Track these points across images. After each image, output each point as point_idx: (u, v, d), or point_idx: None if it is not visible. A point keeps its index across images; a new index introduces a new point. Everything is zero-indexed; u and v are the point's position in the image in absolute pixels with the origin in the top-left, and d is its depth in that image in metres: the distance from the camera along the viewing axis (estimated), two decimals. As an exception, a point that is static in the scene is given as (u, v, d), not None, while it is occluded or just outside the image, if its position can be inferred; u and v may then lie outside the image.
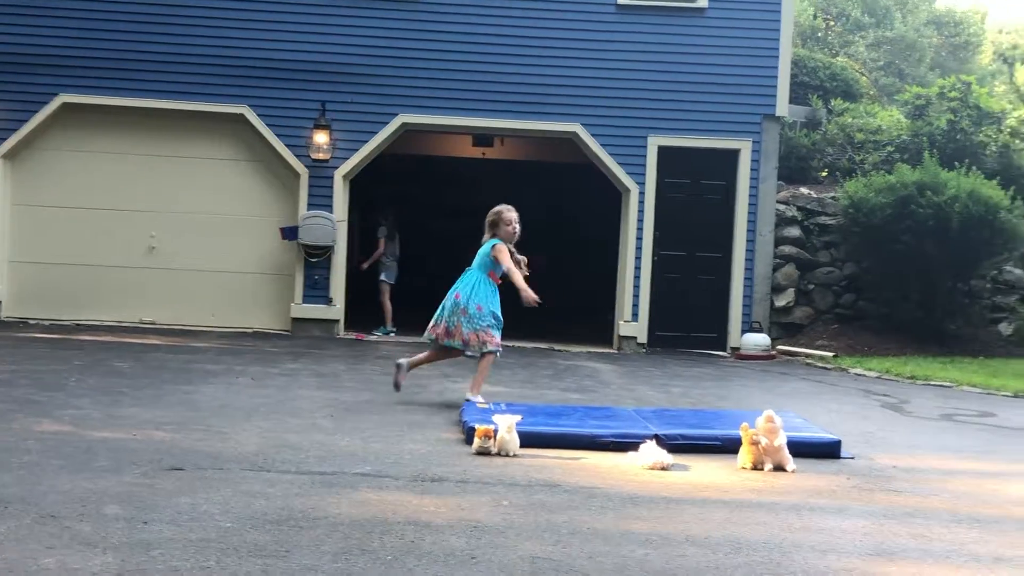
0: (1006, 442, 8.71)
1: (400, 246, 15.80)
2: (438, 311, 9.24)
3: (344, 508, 5.49)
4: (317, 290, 14.76)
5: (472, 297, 9.09)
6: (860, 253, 15.49)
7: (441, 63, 14.86)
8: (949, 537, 5.47)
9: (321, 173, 14.74)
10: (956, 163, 15.41)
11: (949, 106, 17.18)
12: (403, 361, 9.35)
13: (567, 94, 14.94)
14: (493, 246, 9.18)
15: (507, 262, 9.10)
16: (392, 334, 15.04)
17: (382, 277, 15.46)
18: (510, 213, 9.35)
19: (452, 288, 9.27)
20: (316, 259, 14.69)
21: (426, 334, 9.32)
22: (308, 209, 14.71)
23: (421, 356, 9.50)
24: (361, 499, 5.70)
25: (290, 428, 7.68)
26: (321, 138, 14.62)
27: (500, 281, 9.27)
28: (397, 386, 9.27)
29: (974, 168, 15.28)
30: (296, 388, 9.74)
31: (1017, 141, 17.46)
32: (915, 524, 5.72)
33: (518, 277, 9.10)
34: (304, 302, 14.75)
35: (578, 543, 5.04)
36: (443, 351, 9.29)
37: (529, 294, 8.99)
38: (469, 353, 9.15)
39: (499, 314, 9.21)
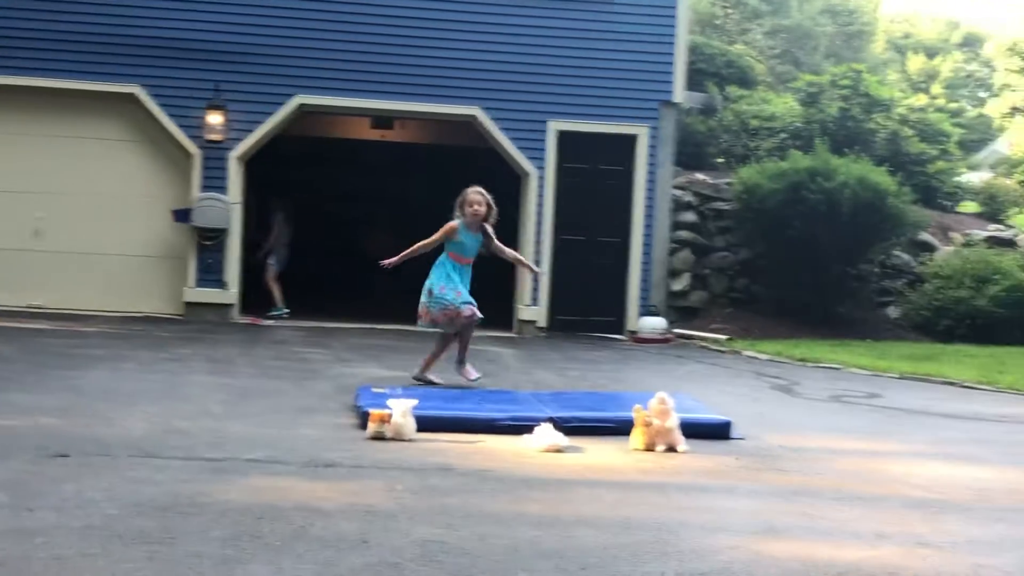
0: (892, 422, 8.93)
1: (293, 232, 15.72)
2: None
3: (234, 494, 5.41)
4: (211, 274, 14.54)
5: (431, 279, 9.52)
6: (754, 238, 15.75)
7: (339, 43, 14.72)
8: (833, 515, 5.60)
9: (215, 155, 14.51)
10: (847, 150, 15.76)
11: (841, 94, 17.55)
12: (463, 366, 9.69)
13: (467, 77, 14.91)
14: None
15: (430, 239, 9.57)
16: (287, 314, 14.93)
17: (270, 261, 15.34)
18: (473, 195, 9.57)
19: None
20: (210, 242, 14.47)
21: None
22: (202, 191, 14.47)
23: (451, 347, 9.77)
24: (252, 485, 5.63)
25: (180, 414, 7.55)
26: (215, 119, 14.39)
27: (466, 260, 9.67)
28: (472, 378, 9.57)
29: (864, 155, 15.64)
30: (187, 373, 9.58)
31: (906, 128, 17.91)
32: (801, 503, 5.84)
33: (409, 250, 9.65)
34: (198, 286, 14.51)
35: (470, 526, 5.04)
36: (446, 336, 9.68)
37: (388, 262, 9.54)
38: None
39: (438, 291, 9.48)
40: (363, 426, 7.21)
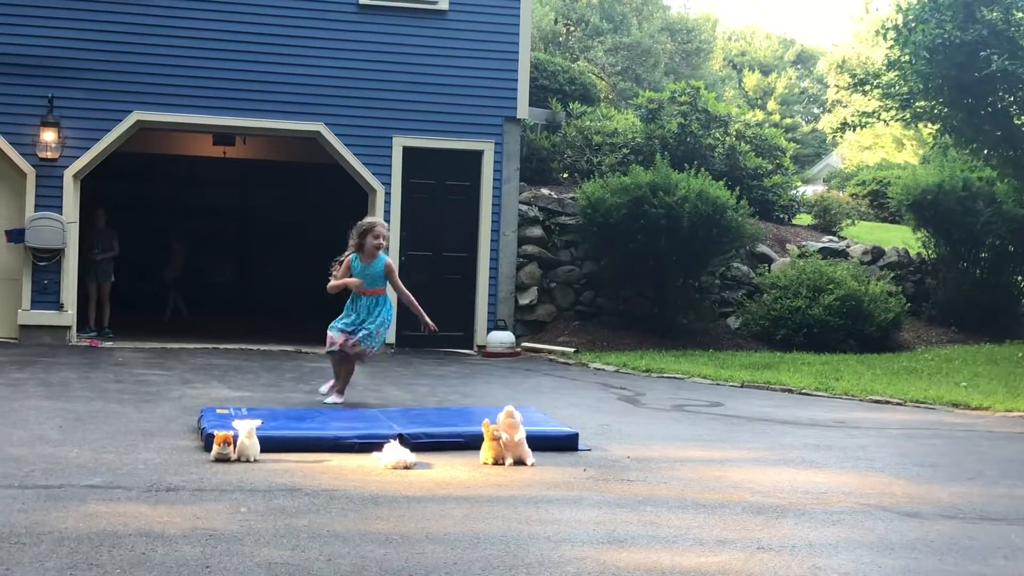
0: (732, 430, 9.17)
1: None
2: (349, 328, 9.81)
3: (71, 522, 5.24)
4: (47, 295, 14.04)
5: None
6: (598, 252, 15.99)
7: (178, 59, 14.41)
8: (676, 523, 5.72)
9: (50, 172, 14.02)
10: (687, 164, 16.12)
11: (680, 110, 17.96)
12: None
13: (310, 93, 14.77)
14: (387, 262, 9.85)
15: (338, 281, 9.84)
16: (110, 335, 14.70)
17: (112, 279, 15.14)
18: (380, 228, 9.88)
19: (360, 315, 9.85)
20: (45, 263, 13.98)
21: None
22: (36, 210, 13.97)
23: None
24: (90, 512, 5.46)
25: (13, 441, 7.28)
26: (49, 136, 13.92)
27: (368, 291, 9.76)
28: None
29: (703, 169, 16.03)
30: (22, 398, 9.23)
31: (743, 143, 18.44)
32: (645, 512, 5.95)
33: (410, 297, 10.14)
34: (33, 308, 13.99)
35: (317, 546, 4.99)
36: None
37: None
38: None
39: (343, 316, 9.75)
40: (207, 448, 7.08)
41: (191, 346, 14.04)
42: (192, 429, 7.95)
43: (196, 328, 15.75)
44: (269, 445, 7.09)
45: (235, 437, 6.91)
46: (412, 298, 10.13)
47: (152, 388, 10.27)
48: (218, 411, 8.08)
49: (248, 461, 6.86)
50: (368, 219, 10.12)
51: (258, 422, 7.10)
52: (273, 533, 5.19)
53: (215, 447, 6.88)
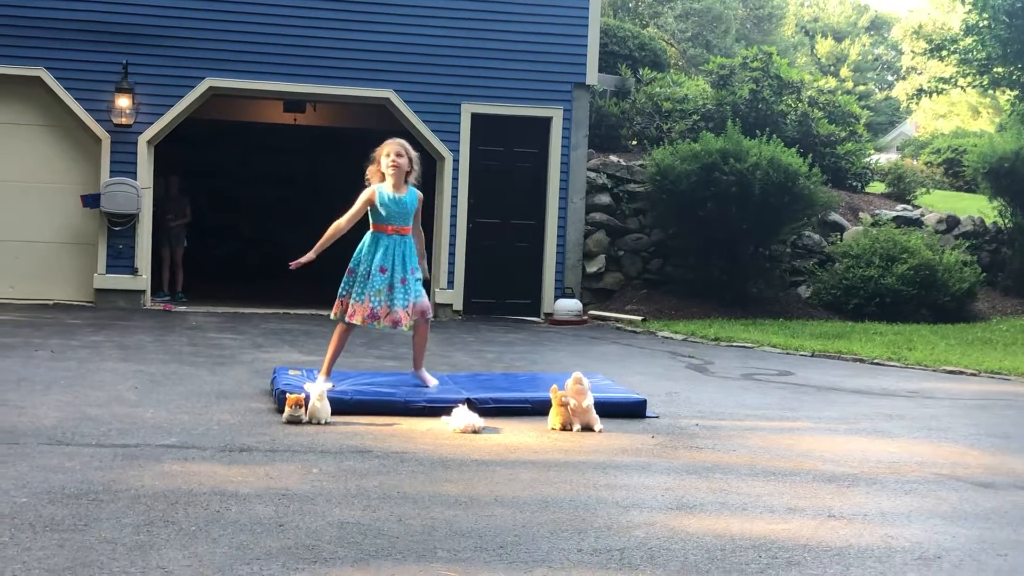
0: (802, 399, 9.09)
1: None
2: (383, 296, 8.04)
3: (147, 480, 5.34)
4: (121, 260, 14.27)
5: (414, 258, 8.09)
6: (667, 220, 15.89)
7: (250, 25, 14.50)
8: (746, 490, 5.69)
9: (124, 139, 14.22)
10: (758, 131, 15.94)
11: (751, 76, 17.75)
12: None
13: (380, 59, 14.80)
14: (420, 196, 8.20)
15: (347, 215, 8.04)
16: (184, 299, 14.93)
17: (185, 244, 15.35)
18: (389, 145, 8.17)
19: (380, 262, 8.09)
20: (120, 228, 14.21)
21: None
22: (111, 176, 14.19)
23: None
24: (165, 471, 5.56)
25: (91, 401, 7.42)
26: (124, 102, 14.10)
27: (400, 229, 8.11)
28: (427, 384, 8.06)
29: (775, 136, 15.84)
30: (99, 360, 9.41)
31: (815, 110, 18.18)
32: (715, 479, 5.92)
33: (322, 240, 8.13)
34: (108, 272, 14.23)
35: (388, 507, 5.04)
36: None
37: (296, 263, 8.06)
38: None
39: (360, 271, 8.05)
40: (279, 410, 7.17)
41: (263, 311, 14.22)
42: (264, 392, 8.05)
43: (268, 294, 15.91)
44: (340, 408, 7.17)
45: (307, 399, 6.99)
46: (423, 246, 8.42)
47: (225, 351, 10.42)
48: (290, 373, 8.17)
49: (319, 423, 6.94)
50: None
51: (330, 385, 7.18)
52: (344, 493, 5.25)
53: (287, 409, 6.97)
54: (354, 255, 8.14)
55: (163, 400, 7.60)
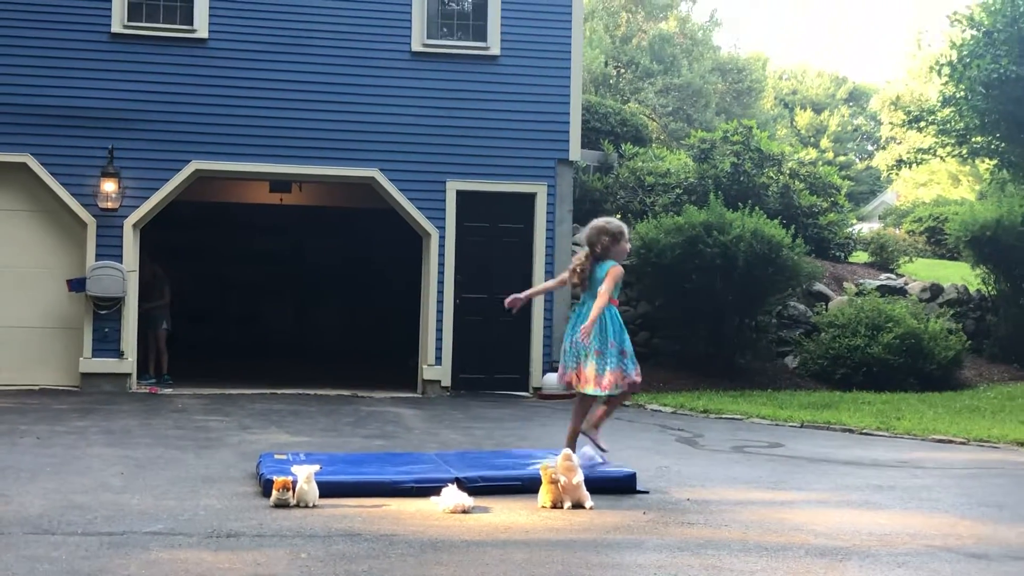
0: (793, 471, 9.06)
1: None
2: (571, 357, 7.99)
3: (134, 569, 5.28)
4: (107, 343, 14.22)
5: (608, 334, 7.91)
6: (653, 292, 15.95)
7: (234, 108, 14.63)
8: (739, 566, 5.65)
9: (110, 222, 14.26)
10: (740, 204, 16.07)
11: (732, 149, 17.94)
12: (587, 431, 8.08)
13: (364, 140, 14.92)
14: (612, 267, 7.98)
15: (610, 290, 7.89)
16: (169, 382, 14.76)
17: (164, 326, 15.18)
18: (624, 227, 8.17)
19: (570, 326, 8.07)
20: (106, 311, 14.18)
21: (560, 384, 8.19)
22: (97, 259, 14.20)
23: (598, 413, 8.14)
24: (152, 559, 5.50)
25: (77, 488, 7.35)
26: (109, 186, 14.16)
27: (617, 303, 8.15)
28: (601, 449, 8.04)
29: (757, 208, 15.96)
30: (85, 446, 9.34)
31: (796, 182, 18.36)
32: (707, 555, 5.88)
33: (597, 306, 7.86)
34: (94, 356, 14.18)
35: (378, 592, 4.98)
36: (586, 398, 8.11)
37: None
38: (608, 393, 7.95)
39: (631, 351, 8.03)
40: (266, 494, 7.10)
41: (250, 391, 14.16)
42: (251, 475, 7.99)
43: (255, 374, 15.87)
44: (328, 490, 7.10)
45: (294, 482, 6.94)
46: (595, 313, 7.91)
47: (211, 434, 10.35)
48: (276, 456, 8.11)
49: (307, 506, 6.88)
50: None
51: (317, 467, 7.13)
52: (333, 579, 5.19)
53: (274, 492, 6.91)
54: (621, 331, 8.00)
55: (149, 486, 7.53)
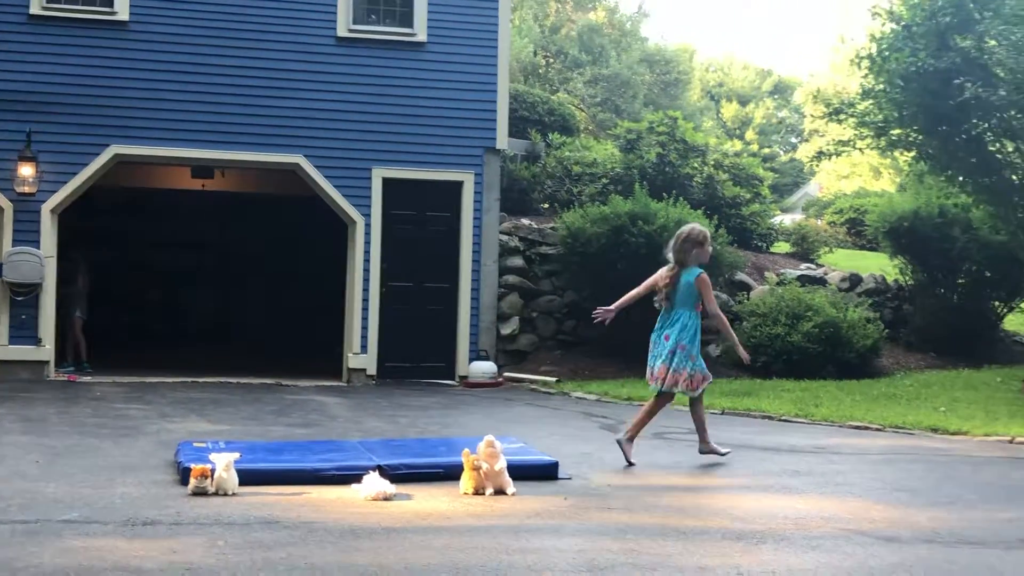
0: (712, 457, 9.15)
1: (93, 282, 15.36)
2: (653, 358, 8.77)
3: (47, 557, 5.20)
4: (24, 330, 13.96)
5: (686, 338, 8.69)
6: (580, 281, 16.01)
7: (155, 92, 14.42)
8: (657, 550, 5.71)
9: (27, 207, 13.99)
10: (665, 194, 16.19)
11: (658, 140, 18.05)
12: (621, 437, 8.71)
13: (289, 125, 14.80)
14: (699, 276, 8.68)
15: (713, 301, 8.80)
16: (88, 369, 14.52)
17: (77, 314, 14.90)
18: (706, 232, 8.84)
19: (656, 330, 8.80)
20: (22, 297, 13.92)
21: (652, 385, 8.89)
22: (13, 245, 13.93)
23: (640, 416, 8.84)
24: (66, 547, 5.42)
25: (-10, 477, 7.22)
26: (27, 171, 13.89)
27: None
28: (629, 462, 8.51)
29: (681, 199, 16.09)
30: (0, 434, 9.16)
31: (721, 173, 18.53)
32: (626, 539, 5.94)
33: (726, 323, 9.18)
34: (10, 343, 13.92)
35: (295, 579, 4.96)
36: (660, 399, 8.88)
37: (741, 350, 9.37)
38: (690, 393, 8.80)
39: (699, 354, 8.87)
40: (184, 482, 7.03)
41: (170, 380, 13.98)
42: (170, 463, 7.90)
43: (176, 362, 15.67)
44: (247, 478, 7.05)
45: (212, 470, 6.87)
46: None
47: (130, 422, 10.22)
48: (195, 445, 8.03)
49: (226, 494, 6.83)
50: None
51: (236, 455, 7.07)
52: (250, 566, 5.16)
53: (192, 481, 6.84)
54: (696, 336, 8.79)
55: (65, 474, 7.42)
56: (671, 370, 8.65)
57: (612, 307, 8.87)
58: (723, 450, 8.88)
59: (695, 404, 8.84)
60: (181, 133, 14.49)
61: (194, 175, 18.04)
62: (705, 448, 8.83)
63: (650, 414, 8.84)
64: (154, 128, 14.41)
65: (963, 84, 13.11)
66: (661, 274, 8.79)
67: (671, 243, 8.82)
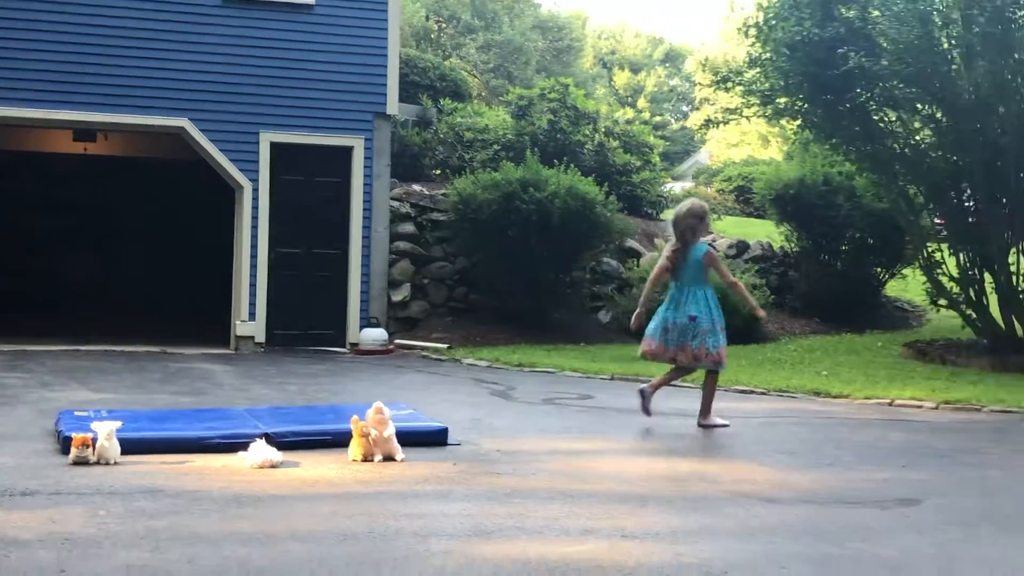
0: (602, 422, 9.28)
1: None
2: (662, 333, 8.86)
3: (-83, 531, 5.04)
4: None
5: (713, 313, 8.81)
6: (471, 248, 16.01)
7: (32, 53, 13.95)
8: (543, 514, 5.75)
9: (-102, 169, 13.48)
10: (556, 161, 16.24)
11: (549, 107, 18.10)
12: (644, 388, 9.07)
13: (173, 88, 14.45)
14: (707, 252, 8.86)
15: (727, 271, 9.14)
16: None
17: None
18: (705, 206, 9.10)
19: (669, 307, 8.86)
20: None
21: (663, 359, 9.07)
22: None
23: (702, 397, 9.03)
24: (-62, 520, 5.26)
25: None
26: None
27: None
28: (648, 412, 8.98)
29: (572, 166, 16.15)
30: None
31: (611, 140, 18.66)
32: (513, 504, 5.97)
33: (744, 290, 9.35)
34: None
35: (178, 548, 4.89)
36: (679, 371, 9.15)
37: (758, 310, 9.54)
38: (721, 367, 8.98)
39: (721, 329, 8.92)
40: (65, 451, 6.88)
41: (52, 348, 13.62)
42: (50, 432, 7.71)
43: (58, 329, 15.27)
44: (130, 447, 6.91)
45: (94, 439, 6.73)
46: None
47: (8, 391, 9.94)
48: (76, 414, 7.85)
49: (108, 464, 6.69)
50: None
51: (119, 424, 6.93)
52: (132, 536, 5.07)
53: (73, 450, 6.69)
54: (719, 309, 8.92)
55: (-62, 445, 7.20)
56: (713, 349, 8.78)
57: (640, 310, 9.09)
58: (722, 421, 8.98)
59: (714, 377, 9.02)
60: (60, 95, 14.05)
61: (76, 138, 17.56)
62: (705, 423, 8.93)
63: (711, 391, 9.01)
64: (30, 89, 13.93)
65: (847, 54, 13.36)
66: (666, 255, 8.95)
67: (672, 222, 9.07)
